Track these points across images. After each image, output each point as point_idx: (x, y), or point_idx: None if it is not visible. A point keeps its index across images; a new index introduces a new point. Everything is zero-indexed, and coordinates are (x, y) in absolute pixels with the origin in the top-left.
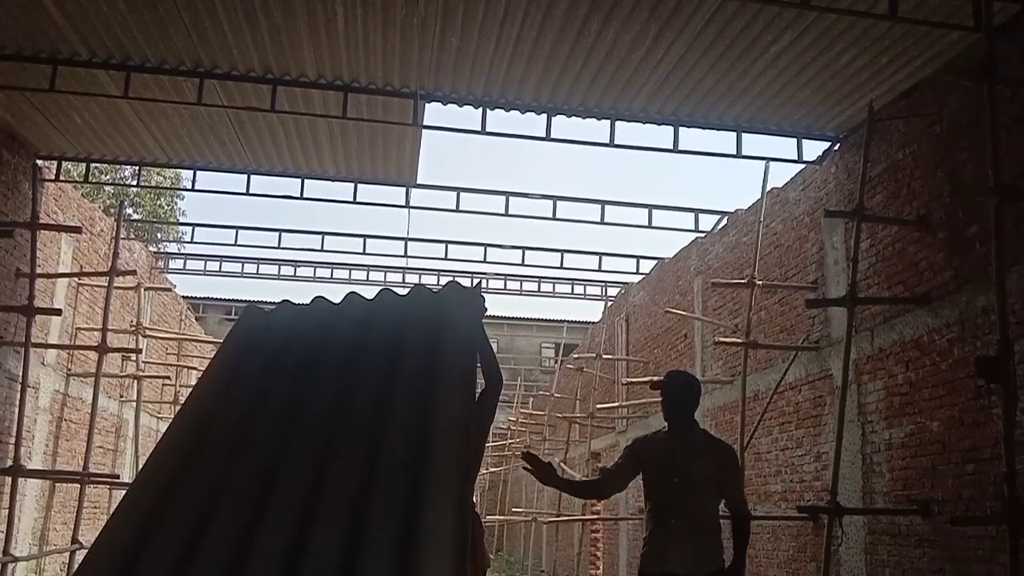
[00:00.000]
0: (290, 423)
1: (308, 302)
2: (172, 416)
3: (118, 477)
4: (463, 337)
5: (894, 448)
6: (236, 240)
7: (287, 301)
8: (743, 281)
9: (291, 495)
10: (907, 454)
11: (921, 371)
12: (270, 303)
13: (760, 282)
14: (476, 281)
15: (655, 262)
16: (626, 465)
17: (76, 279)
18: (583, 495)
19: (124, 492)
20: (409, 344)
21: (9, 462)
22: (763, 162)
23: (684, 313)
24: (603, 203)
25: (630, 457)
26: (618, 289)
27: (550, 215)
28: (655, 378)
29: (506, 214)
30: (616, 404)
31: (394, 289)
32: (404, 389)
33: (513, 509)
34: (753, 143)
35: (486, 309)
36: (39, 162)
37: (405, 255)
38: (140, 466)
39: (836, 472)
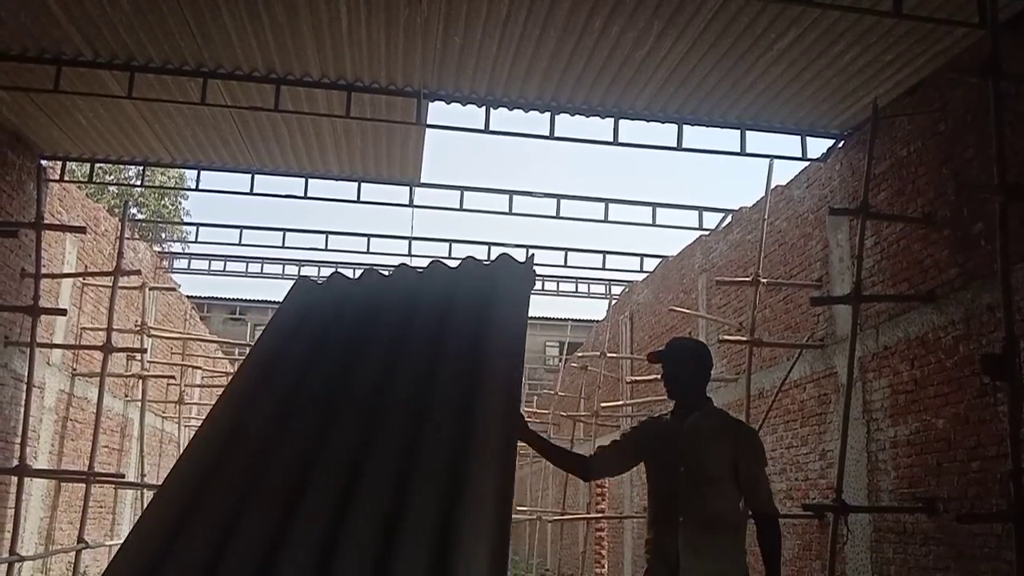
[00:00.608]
0: (332, 404)
1: (359, 275)
2: (176, 416)
3: (123, 476)
4: (512, 317)
5: (899, 446)
6: (240, 239)
7: (338, 272)
8: (747, 279)
9: (330, 480)
10: (912, 452)
11: (926, 369)
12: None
13: (764, 280)
14: (530, 254)
15: (659, 260)
16: (624, 449)
17: (81, 279)
18: (565, 467)
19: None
20: (457, 322)
21: (15, 462)
22: (767, 160)
23: (688, 311)
24: (607, 201)
25: (629, 441)
26: (622, 287)
27: (554, 213)
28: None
29: (510, 213)
30: (621, 402)
31: (445, 262)
32: (449, 372)
33: (517, 507)
34: (757, 141)
35: (534, 283)
36: (44, 162)
37: (409, 254)
38: (145, 465)
39: (841, 470)
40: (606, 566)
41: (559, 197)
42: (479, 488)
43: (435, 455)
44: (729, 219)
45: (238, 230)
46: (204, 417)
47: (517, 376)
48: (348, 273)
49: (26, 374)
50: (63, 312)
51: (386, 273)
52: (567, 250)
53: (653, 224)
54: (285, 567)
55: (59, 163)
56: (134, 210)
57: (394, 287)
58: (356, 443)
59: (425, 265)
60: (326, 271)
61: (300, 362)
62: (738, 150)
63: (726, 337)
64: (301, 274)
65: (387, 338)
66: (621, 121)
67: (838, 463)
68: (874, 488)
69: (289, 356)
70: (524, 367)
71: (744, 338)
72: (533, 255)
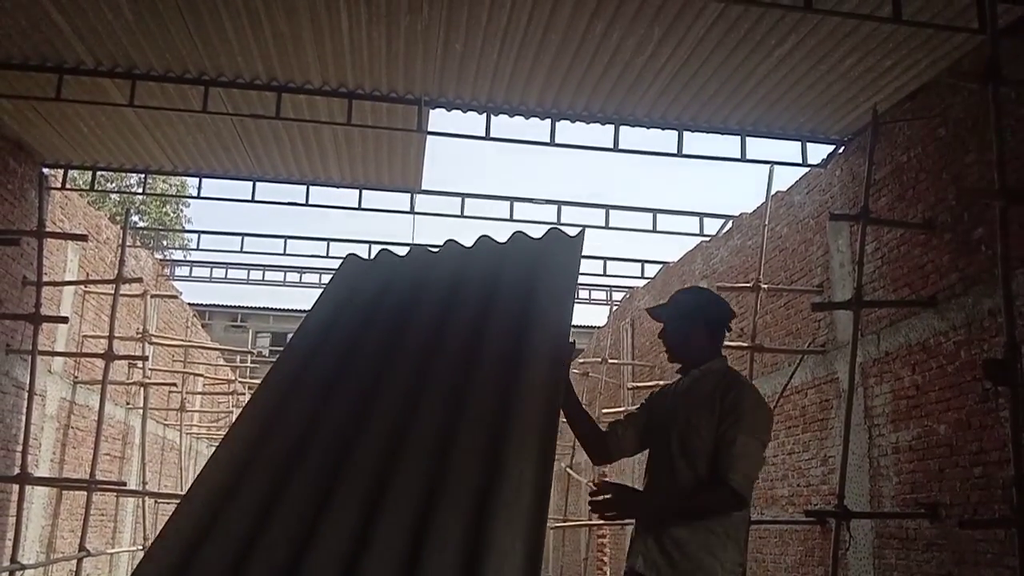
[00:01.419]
0: (374, 387)
1: (407, 252)
2: (178, 423)
3: (125, 484)
4: (557, 299)
5: (901, 451)
6: (242, 247)
7: (386, 250)
8: (748, 285)
9: (366, 464)
10: (914, 457)
11: (928, 374)
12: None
13: (765, 286)
14: (580, 229)
15: (660, 266)
16: (638, 417)
17: (82, 287)
18: (585, 443)
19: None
20: (501, 302)
21: (16, 470)
22: (768, 165)
23: None
24: (607, 208)
25: (644, 411)
26: (623, 293)
27: (555, 220)
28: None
29: (511, 219)
30: (622, 408)
31: (492, 237)
32: (491, 357)
33: None
34: (758, 147)
35: (581, 261)
36: (45, 170)
37: None
38: (147, 473)
39: (843, 476)
40: (608, 573)
41: (560, 203)
42: (517, 479)
43: (473, 443)
44: (730, 225)
45: (239, 237)
46: (239, 413)
47: (562, 368)
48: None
49: (28, 382)
50: (65, 320)
51: (434, 250)
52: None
53: (654, 230)
54: (319, 552)
55: (61, 171)
56: (136, 218)
57: (440, 265)
58: (394, 427)
59: (473, 241)
60: (326, 279)
61: (345, 341)
62: (739, 156)
63: (727, 343)
64: (303, 280)
65: (430, 319)
66: (621, 127)
67: (840, 469)
68: (876, 494)
69: (335, 336)
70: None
71: (745, 344)
72: (583, 230)
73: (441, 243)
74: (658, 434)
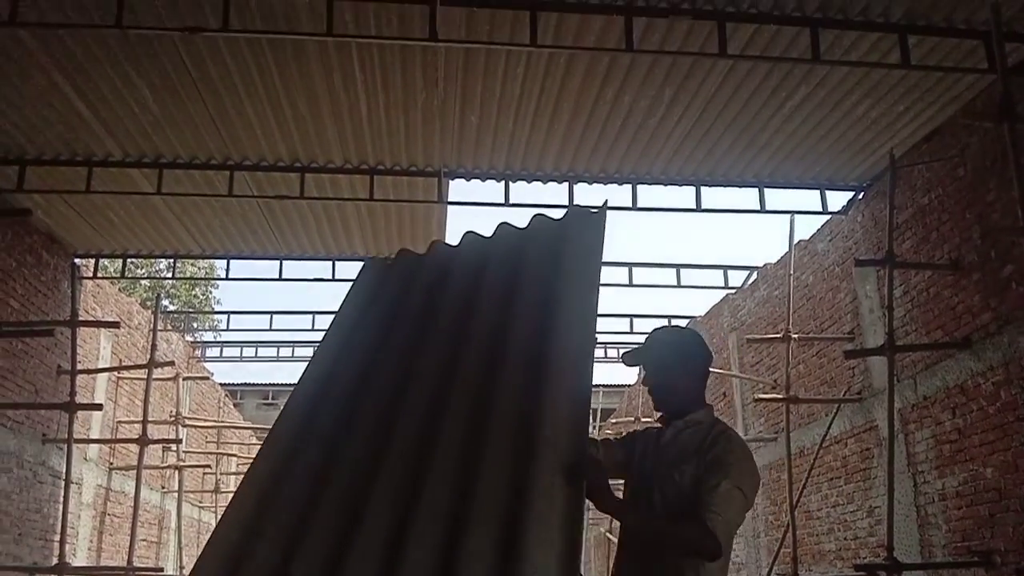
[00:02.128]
0: (398, 397)
1: (427, 248)
2: (213, 505)
3: (162, 570)
4: (583, 290)
5: (948, 498)
6: (271, 325)
7: (405, 249)
8: (778, 335)
9: (395, 476)
10: (963, 503)
11: (969, 417)
12: None
13: (795, 335)
14: (604, 201)
15: (687, 321)
16: (615, 452)
17: (115, 373)
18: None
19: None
20: (525, 296)
21: (54, 560)
22: (788, 215)
23: (721, 371)
24: (630, 265)
25: (619, 447)
26: None
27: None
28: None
29: None
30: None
31: (512, 224)
32: (517, 355)
33: None
34: (776, 197)
35: (605, 236)
36: (77, 260)
37: None
38: (183, 557)
39: (891, 526)
40: None
41: None
42: (548, 489)
43: (501, 454)
44: (755, 276)
45: (268, 316)
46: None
47: (590, 365)
48: None
49: (64, 471)
50: (99, 407)
51: (453, 244)
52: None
53: (678, 285)
54: (353, 564)
55: (92, 260)
56: (166, 302)
57: (460, 260)
58: (421, 437)
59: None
60: None
61: (369, 346)
62: (758, 208)
63: (761, 396)
64: None
65: (452, 318)
66: (639, 186)
67: (886, 519)
68: (926, 543)
69: (358, 343)
70: (596, 342)
71: (780, 396)
72: (606, 203)
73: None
74: (638, 490)
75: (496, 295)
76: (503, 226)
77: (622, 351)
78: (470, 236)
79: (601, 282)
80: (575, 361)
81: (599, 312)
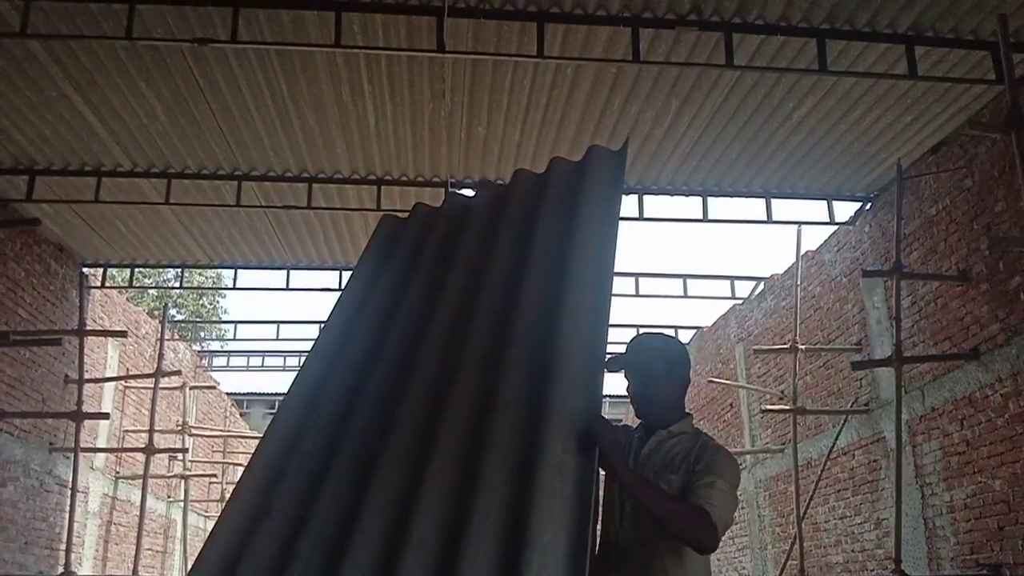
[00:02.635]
0: (407, 363)
1: (442, 201)
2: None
3: None
4: (599, 243)
5: (957, 510)
6: (278, 335)
7: (421, 203)
8: (785, 346)
9: (403, 447)
10: (971, 516)
11: (977, 428)
12: None
13: (803, 346)
14: (625, 138)
15: (694, 332)
16: None
17: (123, 382)
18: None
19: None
20: (539, 249)
21: (60, 568)
22: (795, 226)
23: (728, 382)
24: (637, 276)
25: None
26: None
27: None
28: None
29: None
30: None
31: (530, 170)
32: (529, 308)
33: None
34: (783, 207)
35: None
36: (85, 270)
37: None
38: (188, 567)
39: (898, 539)
40: None
41: None
42: (558, 460)
43: (511, 420)
44: (761, 287)
45: (275, 325)
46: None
47: (604, 323)
48: None
49: (70, 480)
50: (106, 416)
51: (470, 194)
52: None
53: (685, 296)
54: (356, 550)
55: (100, 270)
56: (173, 311)
57: (476, 211)
58: (432, 401)
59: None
60: None
61: (384, 305)
62: (765, 218)
63: (768, 407)
64: None
65: (466, 274)
66: (646, 196)
67: (894, 531)
68: (934, 556)
69: (374, 301)
70: (612, 296)
71: (787, 407)
72: (627, 141)
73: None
74: (614, 498)
75: (512, 244)
76: (520, 171)
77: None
78: (487, 184)
79: (619, 223)
80: (589, 321)
81: (615, 268)
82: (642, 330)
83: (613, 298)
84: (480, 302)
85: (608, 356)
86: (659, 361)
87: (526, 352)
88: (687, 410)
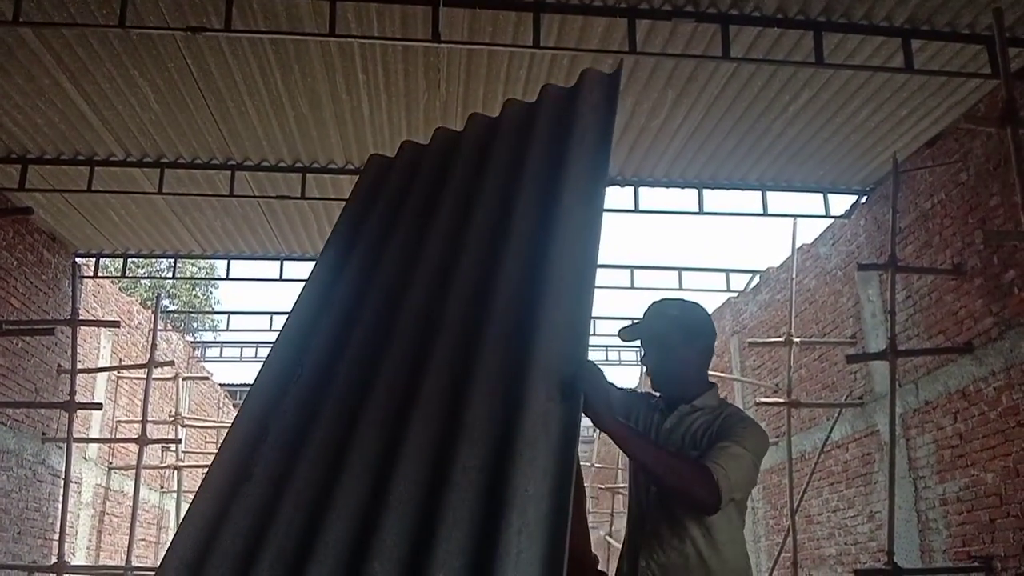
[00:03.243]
0: (390, 313)
1: (431, 137)
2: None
3: None
4: (588, 184)
5: (949, 503)
6: (271, 325)
7: (409, 141)
8: (780, 339)
9: (384, 402)
10: (963, 509)
11: (970, 422)
12: None
13: (797, 339)
14: (619, 62)
15: None
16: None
17: (115, 372)
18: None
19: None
20: (527, 186)
21: (53, 558)
22: (791, 219)
23: (722, 374)
24: (632, 268)
25: (623, 401)
26: None
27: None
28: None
29: None
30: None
31: (520, 100)
32: (516, 246)
33: None
34: (779, 200)
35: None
36: (78, 260)
37: None
38: None
39: (891, 531)
40: None
41: None
42: (543, 414)
43: (495, 369)
44: (757, 280)
45: (268, 316)
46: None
47: (593, 267)
48: None
49: (63, 470)
50: (99, 406)
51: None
52: (595, 318)
53: (680, 288)
54: (339, 496)
55: (93, 260)
56: (166, 301)
57: (465, 142)
58: (412, 355)
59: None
60: None
61: (367, 260)
62: (760, 211)
63: (763, 399)
64: None
65: (452, 215)
66: (641, 188)
67: (887, 524)
68: (927, 548)
69: (361, 245)
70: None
71: (781, 400)
72: (622, 61)
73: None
74: (635, 476)
75: (500, 180)
76: (511, 101)
77: (619, 327)
78: (477, 116)
79: (610, 152)
80: (578, 261)
81: (605, 201)
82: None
83: (606, 288)
84: (466, 245)
85: (624, 326)
86: (676, 331)
87: (512, 296)
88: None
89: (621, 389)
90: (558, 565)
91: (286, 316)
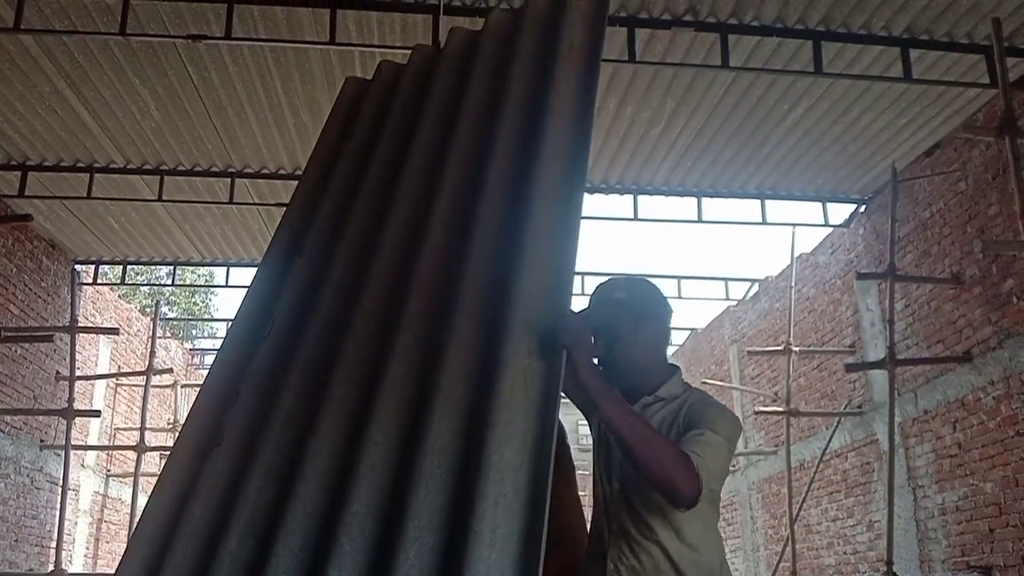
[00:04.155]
0: (367, 254)
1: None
2: None
3: None
4: (574, 118)
5: (948, 513)
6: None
7: (387, 61)
8: (779, 348)
9: (357, 354)
10: (962, 518)
11: (969, 431)
12: None
13: (796, 348)
14: None
15: (688, 333)
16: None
17: (114, 380)
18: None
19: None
20: (509, 100)
21: (50, 566)
22: (790, 228)
23: (721, 383)
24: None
25: None
26: None
27: (579, 291)
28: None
29: None
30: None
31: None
32: (495, 182)
33: None
34: (778, 209)
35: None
36: (77, 267)
37: None
38: None
39: (890, 541)
40: None
41: (583, 274)
42: (522, 371)
43: (472, 322)
44: (756, 288)
45: None
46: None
47: (578, 204)
48: None
49: (61, 477)
50: (97, 413)
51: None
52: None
53: (679, 297)
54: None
55: (92, 266)
56: (165, 309)
57: (444, 62)
58: (386, 307)
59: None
60: None
61: (340, 197)
62: (759, 220)
63: (762, 408)
64: None
65: (429, 147)
66: (640, 197)
67: (886, 533)
68: (926, 558)
69: (329, 192)
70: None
71: (780, 409)
72: None
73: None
74: (597, 468)
75: (482, 102)
76: (496, 13)
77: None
78: (459, 31)
79: (599, 68)
80: (561, 198)
81: (592, 127)
82: None
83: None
84: (443, 186)
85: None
86: (624, 317)
87: (491, 243)
88: (671, 363)
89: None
90: (536, 540)
91: (256, 267)
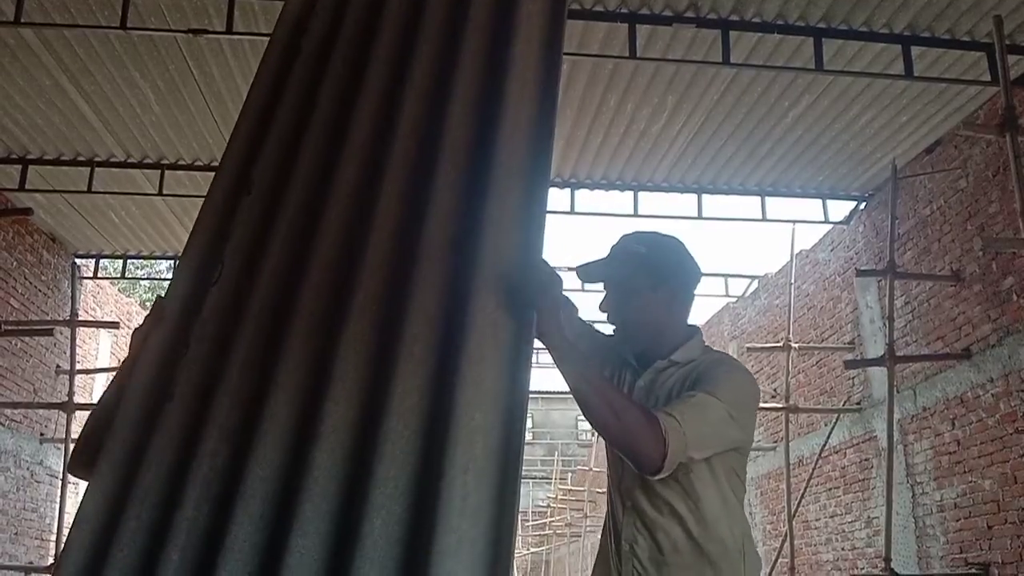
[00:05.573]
0: (320, 200)
1: None
2: None
3: None
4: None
5: (947, 509)
6: None
7: None
8: (778, 344)
9: (314, 313)
10: (961, 515)
11: (968, 428)
12: None
13: (796, 345)
14: None
15: None
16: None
17: (114, 373)
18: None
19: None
20: (472, 22)
21: (50, 559)
22: (790, 224)
23: None
24: None
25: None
26: None
27: (579, 287)
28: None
29: None
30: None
31: None
32: (457, 122)
33: None
34: (778, 206)
35: None
36: (77, 260)
37: None
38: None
39: (888, 537)
40: None
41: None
42: (490, 325)
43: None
44: (755, 285)
45: None
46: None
47: (549, 142)
48: None
49: (61, 471)
50: None
51: None
52: (594, 323)
53: None
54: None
55: (92, 260)
56: None
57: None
58: (343, 254)
59: None
60: None
61: (288, 131)
62: (759, 216)
63: (761, 404)
64: None
65: (383, 84)
66: (640, 193)
67: (884, 530)
68: (924, 555)
69: (275, 127)
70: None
71: (780, 405)
72: None
73: None
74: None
75: (443, 27)
76: None
77: (576, 265)
78: None
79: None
80: (530, 132)
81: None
82: None
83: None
84: (403, 112)
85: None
86: (640, 272)
87: (455, 181)
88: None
89: (597, 331)
90: (509, 508)
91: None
